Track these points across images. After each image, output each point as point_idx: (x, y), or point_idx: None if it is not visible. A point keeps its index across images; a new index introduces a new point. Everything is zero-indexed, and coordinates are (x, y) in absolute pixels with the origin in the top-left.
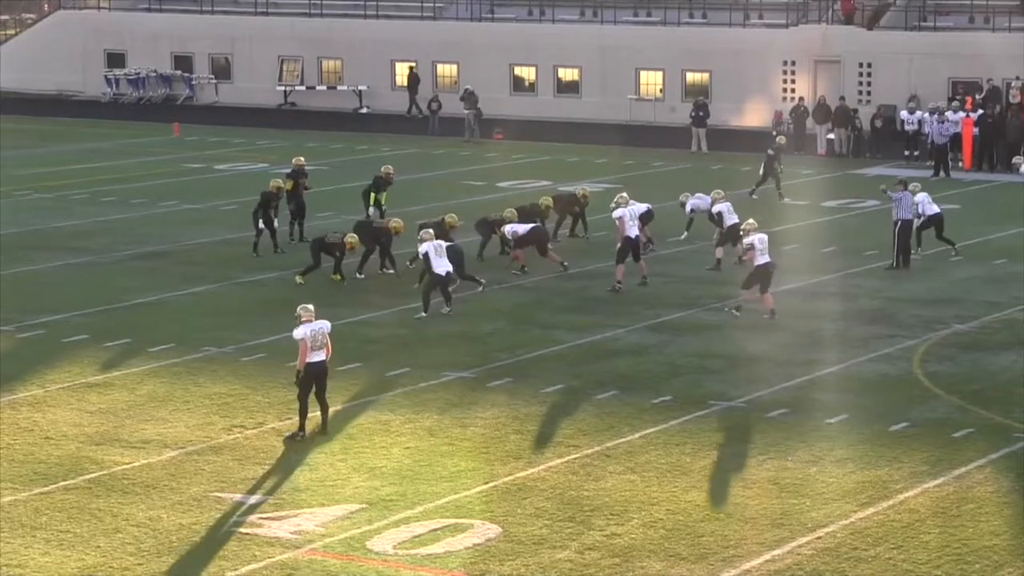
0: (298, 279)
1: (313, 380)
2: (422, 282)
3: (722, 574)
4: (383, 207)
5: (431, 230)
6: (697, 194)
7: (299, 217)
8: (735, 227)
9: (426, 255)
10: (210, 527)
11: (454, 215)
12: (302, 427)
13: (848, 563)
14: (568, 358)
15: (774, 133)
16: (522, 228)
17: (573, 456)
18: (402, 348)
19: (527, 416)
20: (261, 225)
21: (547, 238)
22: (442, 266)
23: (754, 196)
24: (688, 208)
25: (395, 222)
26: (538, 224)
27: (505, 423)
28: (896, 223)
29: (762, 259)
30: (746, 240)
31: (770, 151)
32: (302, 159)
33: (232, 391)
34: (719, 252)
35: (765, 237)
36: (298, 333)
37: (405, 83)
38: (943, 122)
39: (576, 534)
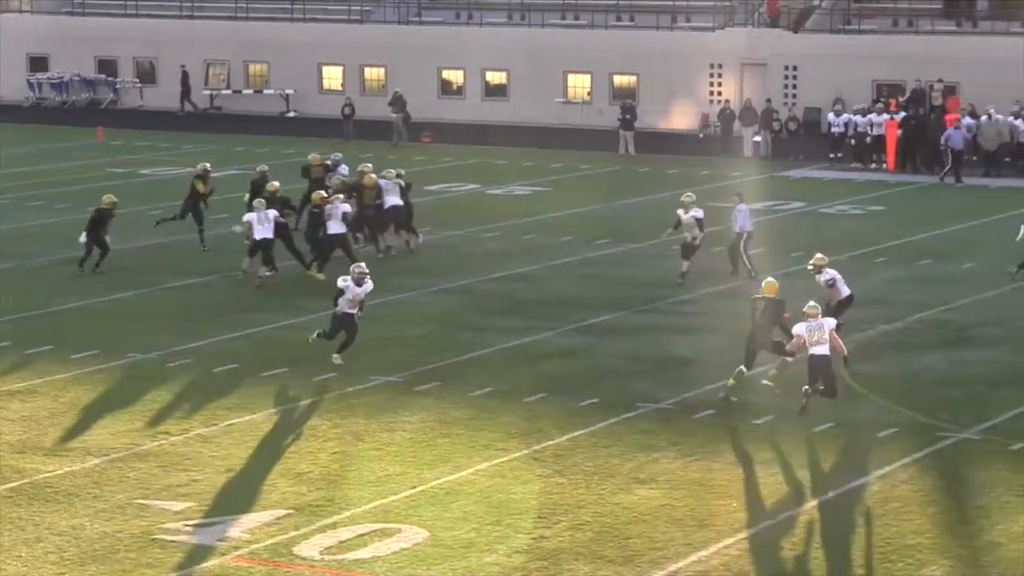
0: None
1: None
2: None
3: (649, 575)
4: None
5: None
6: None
7: (199, 223)
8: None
9: (249, 222)
10: (134, 535)
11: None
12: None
13: (774, 563)
14: (496, 361)
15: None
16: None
17: (501, 459)
18: (329, 353)
19: (455, 420)
20: (84, 239)
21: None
22: (261, 232)
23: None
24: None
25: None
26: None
27: (433, 427)
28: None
29: (844, 290)
30: (826, 275)
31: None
32: (208, 164)
33: (157, 397)
34: (685, 265)
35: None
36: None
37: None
38: (958, 128)
39: (503, 537)
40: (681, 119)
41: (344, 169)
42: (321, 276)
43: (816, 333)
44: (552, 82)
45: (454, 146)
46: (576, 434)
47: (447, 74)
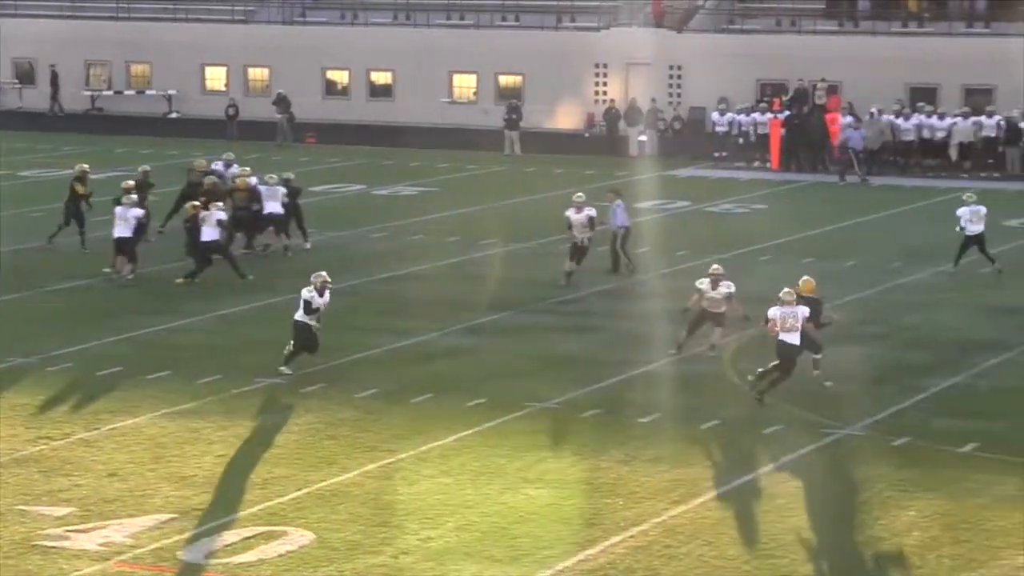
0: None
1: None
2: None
3: (536, 575)
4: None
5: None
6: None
7: (80, 225)
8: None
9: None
10: (14, 541)
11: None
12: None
13: (660, 560)
14: (383, 362)
15: None
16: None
17: (387, 461)
18: (214, 355)
19: (341, 421)
20: None
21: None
22: (119, 231)
23: None
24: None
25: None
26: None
27: (319, 429)
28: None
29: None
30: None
31: None
32: (86, 166)
33: (38, 402)
34: (569, 266)
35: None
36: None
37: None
38: (858, 128)
39: (390, 539)
40: (567, 119)
41: (235, 169)
42: (181, 281)
43: (789, 320)
44: (438, 82)
45: (340, 147)
46: (463, 434)
47: (332, 74)
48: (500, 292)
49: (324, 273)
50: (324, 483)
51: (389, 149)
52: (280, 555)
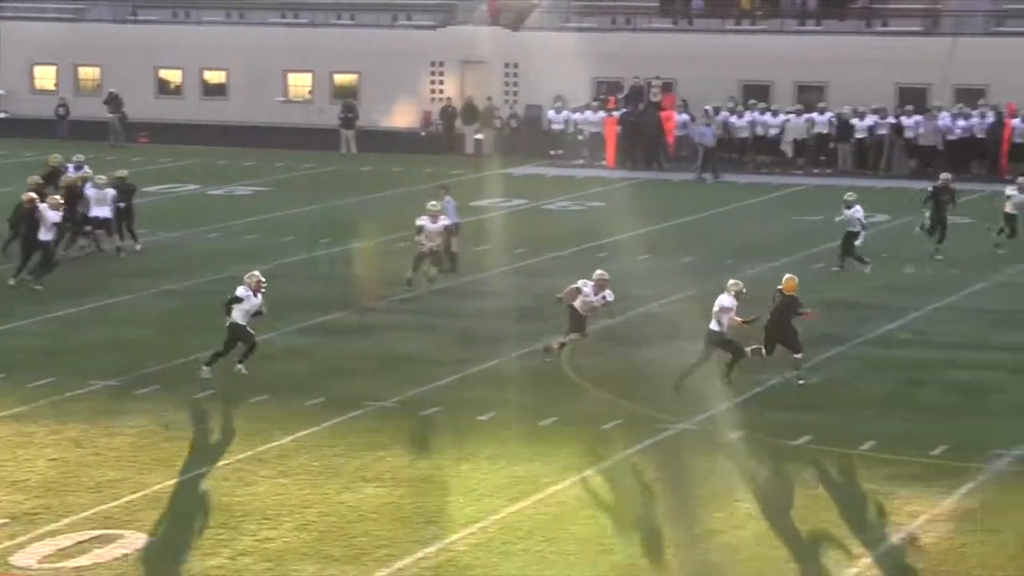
0: None
1: None
2: None
3: (376, 573)
4: None
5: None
6: None
7: None
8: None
9: None
10: None
11: None
12: None
13: (500, 557)
14: (220, 363)
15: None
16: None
17: (224, 462)
18: (46, 357)
19: (177, 423)
20: None
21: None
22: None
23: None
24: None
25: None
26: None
27: (155, 431)
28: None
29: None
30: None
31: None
32: None
33: None
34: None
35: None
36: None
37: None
38: (709, 125)
39: (228, 540)
40: (403, 117)
41: (87, 171)
42: (12, 282)
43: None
44: (272, 81)
45: (173, 146)
46: (301, 434)
47: (164, 73)
48: (337, 292)
49: (257, 273)
50: (160, 485)
51: (223, 149)
52: (115, 558)
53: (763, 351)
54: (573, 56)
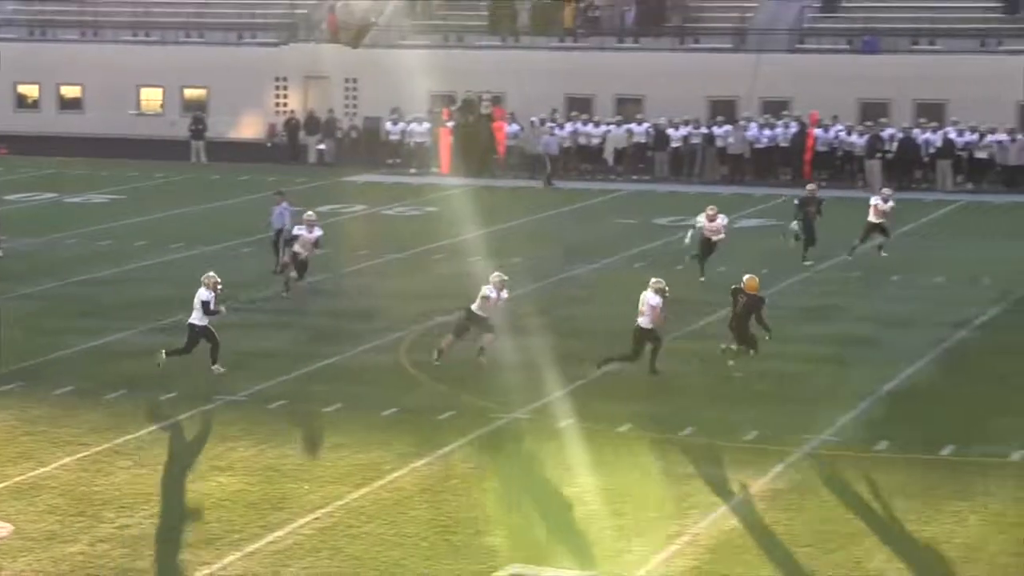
0: None
1: None
2: None
3: (228, 556)
4: None
5: None
6: None
7: None
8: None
9: None
10: None
11: None
12: None
13: (345, 540)
14: (77, 361)
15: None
16: None
17: (83, 454)
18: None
19: (37, 418)
20: None
21: None
22: None
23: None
24: None
25: None
26: None
27: (16, 426)
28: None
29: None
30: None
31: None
32: None
33: None
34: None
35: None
36: None
37: None
38: (553, 135)
39: (88, 528)
40: (249, 129)
41: None
42: None
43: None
44: (126, 95)
45: (31, 157)
46: (156, 427)
47: (22, 88)
48: (188, 292)
49: (213, 273)
50: (22, 477)
51: (80, 159)
52: None
53: (751, 351)
54: (409, 71)
